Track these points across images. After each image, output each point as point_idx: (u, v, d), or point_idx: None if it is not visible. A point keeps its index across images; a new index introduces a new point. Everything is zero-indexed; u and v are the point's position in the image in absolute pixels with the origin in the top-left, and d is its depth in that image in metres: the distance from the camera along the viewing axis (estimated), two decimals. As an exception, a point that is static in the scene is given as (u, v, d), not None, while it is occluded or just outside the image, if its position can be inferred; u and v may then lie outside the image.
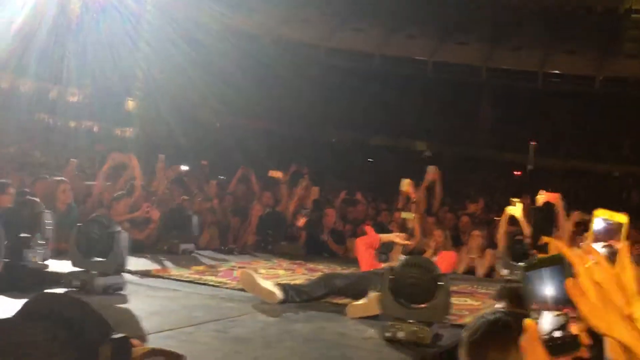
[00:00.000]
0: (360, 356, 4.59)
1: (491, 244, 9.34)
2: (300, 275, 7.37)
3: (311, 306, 5.88)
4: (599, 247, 1.46)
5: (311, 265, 8.16)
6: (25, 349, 2.46)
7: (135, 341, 4.07)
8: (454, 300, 5.96)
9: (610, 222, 1.50)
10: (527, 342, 1.29)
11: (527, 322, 1.29)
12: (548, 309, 1.29)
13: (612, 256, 1.47)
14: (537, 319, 1.29)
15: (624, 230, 1.49)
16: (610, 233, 1.51)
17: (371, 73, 27.42)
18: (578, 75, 26.91)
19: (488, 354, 1.94)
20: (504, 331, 1.95)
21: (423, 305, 5.00)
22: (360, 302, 5.66)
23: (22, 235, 6.14)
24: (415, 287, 5.06)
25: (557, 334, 1.28)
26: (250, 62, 25.03)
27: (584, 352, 1.30)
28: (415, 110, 27.32)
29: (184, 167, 11.52)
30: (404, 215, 9.44)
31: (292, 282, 6.44)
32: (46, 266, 6.17)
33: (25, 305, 2.61)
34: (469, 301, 6.80)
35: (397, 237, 7.48)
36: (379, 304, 5.14)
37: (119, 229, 5.63)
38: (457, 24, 28.38)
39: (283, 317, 5.42)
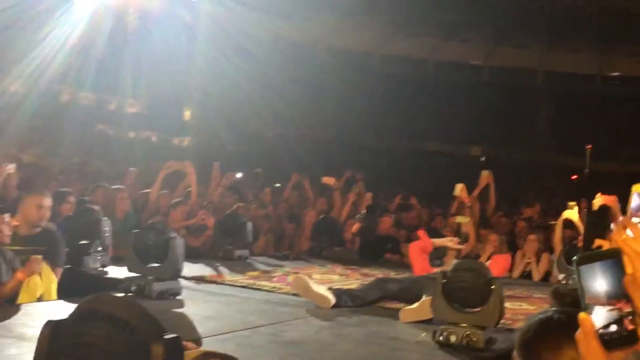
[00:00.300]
0: (413, 359, 4.60)
1: (548, 248, 9.24)
2: (354, 280, 7.40)
3: (364, 310, 5.90)
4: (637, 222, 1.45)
5: (365, 271, 8.17)
6: (82, 349, 2.56)
7: (190, 344, 4.16)
8: (509, 304, 5.93)
9: None
10: (583, 336, 1.29)
11: (582, 316, 1.27)
12: (601, 304, 1.27)
13: None
14: (590, 313, 1.27)
15: None
16: None
17: (425, 79, 27.35)
18: (636, 77, 26.44)
19: (541, 354, 1.91)
20: (557, 329, 1.92)
21: (476, 309, 4.99)
22: (413, 306, 5.66)
23: (81, 242, 6.33)
24: (468, 291, 5.05)
25: (613, 328, 1.27)
26: (302, 72, 25.21)
27: None
28: (471, 115, 27.14)
29: (239, 175, 11.65)
30: (458, 219, 9.42)
31: (346, 287, 6.47)
32: (105, 272, 6.35)
33: (80, 306, 2.71)
34: (524, 305, 6.74)
35: (450, 242, 7.47)
36: (432, 308, 5.15)
37: (174, 235, 5.74)
38: (512, 27, 28.08)
39: (336, 321, 5.46)
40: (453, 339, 4.87)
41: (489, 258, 8.42)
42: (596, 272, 1.28)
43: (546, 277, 8.97)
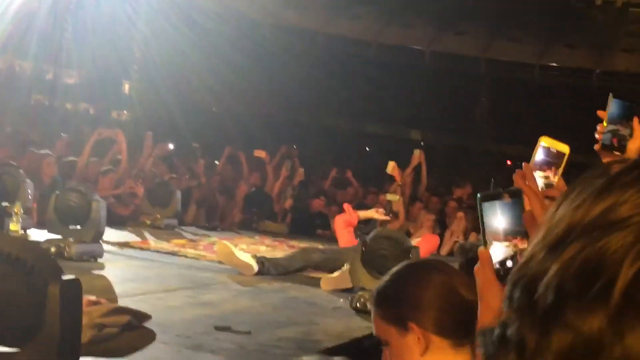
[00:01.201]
0: (328, 324, 4.67)
1: (475, 227, 9.42)
2: (281, 251, 7.45)
3: (286, 278, 5.97)
4: (538, 177, 1.51)
5: (293, 243, 8.24)
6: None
7: (102, 300, 4.14)
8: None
9: (553, 150, 1.55)
10: (481, 268, 1.34)
11: (481, 249, 1.30)
12: (499, 240, 1.31)
13: (547, 187, 1.53)
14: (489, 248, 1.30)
15: (564, 162, 1.53)
16: (549, 164, 1.56)
17: (370, 60, 27.42)
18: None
19: (407, 289, 1.91)
20: (417, 267, 1.98)
21: (393, 277, 5.07)
22: (334, 274, 5.75)
23: (3, 204, 6.23)
24: (386, 259, 5.13)
25: (509, 264, 1.31)
26: (251, 46, 25.03)
27: None
28: (412, 100, 27.33)
29: (171, 146, 11.58)
30: (389, 197, 9.51)
31: (270, 256, 6.52)
32: (26, 235, 6.26)
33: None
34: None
35: (376, 213, 7.57)
36: (350, 275, 5.23)
37: (97, 197, 5.70)
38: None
39: (256, 287, 5.51)
40: (369, 305, 4.95)
41: (419, 236, 8.57)
42: (497, 210, 1.32)
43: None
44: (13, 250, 2.52)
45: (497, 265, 1.34)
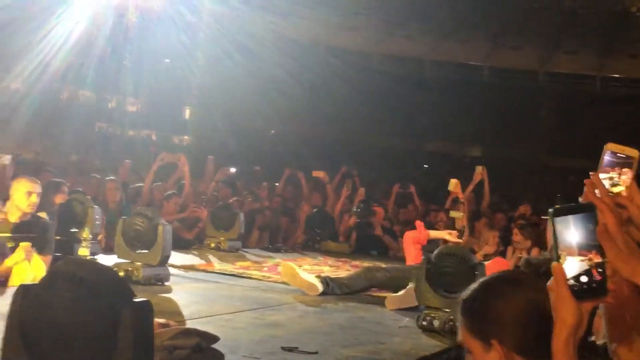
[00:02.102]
0: (395, 343, 4.63)
1: (539, 243, 9.27)
2: (344, 271, 7.45)
3: (351, 298, 5.96)
4: (603, 179, 1.49)
5: (356, 263, 8.22)
6: (50, 311, 2.61)
7: (171, 322, 4.20)
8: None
9: (622, 155, 1.53)
10: (555, 284, 1.32)
11: (555, 265, 1.31)
12: (573, 255, 1.32)
13: (612, 187, 1.50)
14: (562, 263, 1.31)
15: (634, 164, 1.50)
16: (613, 164, 1.53)
17: (423, 79, 27.36)
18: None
19: (489, 304, 1.85)
20: (503, 280, 1.92)
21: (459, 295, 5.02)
22: (399, 293, 5.71)
23: (72, 230, 6.39)
24: (452, 276, 5.09)
25: (584, 279, 1.31)
26: (303, 70, 25.24)
27: (609, 298, 1.34)
28: (470, 117, 27.15)
29: (233, 169, 11.70)
30: (452, 214, 9.44)
31: (334, 276, 6.51)
32: (95, 260, 6.39)
33: (51, 270, 2.76)
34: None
35: (448, 234, 7.48)
36: (415, 293, 5.19)
37: (163, 221, 5.78)
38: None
39: (322, 307, 5.51)
40: (436, 323, 4.91)
41: (487, 257, 8.47)
42: (570, 224, 1.33)
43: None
44: (85, 274, 2.57)
45: (572, 281, 1.31)
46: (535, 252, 9.03)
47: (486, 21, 27.82)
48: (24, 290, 2.62)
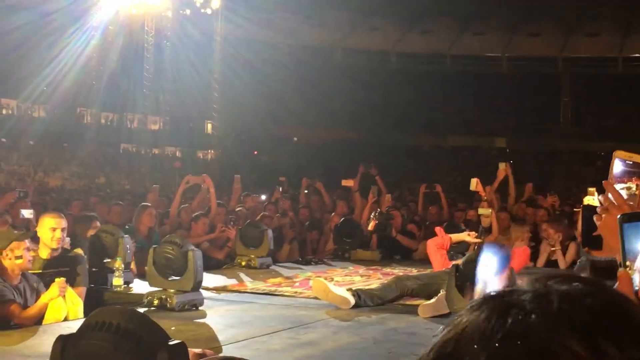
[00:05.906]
0: (430, 354, 4.65)
1: (571, 236, 9.17)
2: (375, 280, 7.47)
3: (383, 309, 5.98)
4: (620, 189, 1.49)
5: (387, 270, 8.25)
6: (92, 359, 2.68)
7: (208, 351, 4.29)
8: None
9: (630, 162, 1.53)
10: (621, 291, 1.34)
11: (621, 272, 1.29)
12: None
13: (630, 197, 1.50)
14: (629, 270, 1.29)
15: None
16: (629, 174, 1.53)
17: (446, 72, 27.34)
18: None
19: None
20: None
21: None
22: (431, 301, 5.73)
23: (105, 261, 6.50)
24: (481, 283, 5.11)
25: None
26: (319, 74, 25.31)
27: None
28: (492, 108, 27.06)
29: (264, 197, 11.77)
30: (480, 211, 9.40)
31: (365, 287, 6.55)
32: (129, 289, 6.49)
33: (87, 320, 2.84)
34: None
35: (467, 236, 7.50)
36: (446, 300, 5.21)
37: (192, 247, 5.86)
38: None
39: (355, 320, 5.54)
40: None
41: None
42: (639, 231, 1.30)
43: (572, 265, 8.89)
44: (121, 322, 2.65)
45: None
46: (572, 246, 8.90)
47: (501, 10, 27.70)
48: (62, 341, 2.70)
